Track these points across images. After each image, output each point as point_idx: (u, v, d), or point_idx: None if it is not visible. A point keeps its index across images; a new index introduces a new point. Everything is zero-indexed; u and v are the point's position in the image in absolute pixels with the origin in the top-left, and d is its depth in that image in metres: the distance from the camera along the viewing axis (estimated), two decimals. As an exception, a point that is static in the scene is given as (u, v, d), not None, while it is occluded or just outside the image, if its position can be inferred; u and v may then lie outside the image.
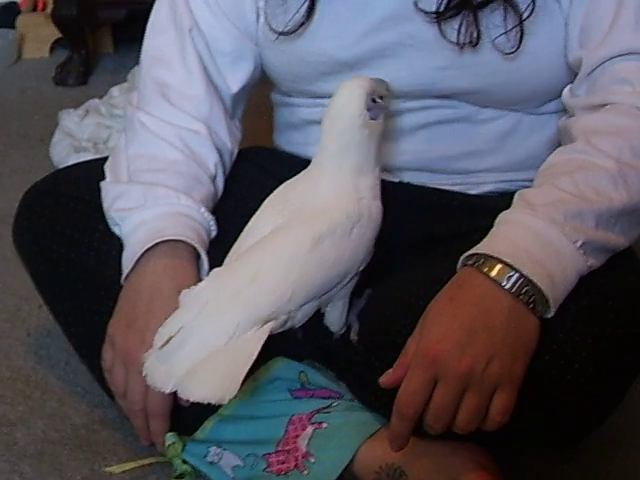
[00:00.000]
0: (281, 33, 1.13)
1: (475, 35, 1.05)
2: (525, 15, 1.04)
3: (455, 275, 0.94)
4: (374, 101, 1.02)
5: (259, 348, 0.96)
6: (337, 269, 1.01)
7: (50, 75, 2.51)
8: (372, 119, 1.02)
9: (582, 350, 0.93)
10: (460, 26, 1.05)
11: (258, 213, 1.05)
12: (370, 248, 1.04)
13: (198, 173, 1.14)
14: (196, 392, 0.94)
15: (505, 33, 1.05)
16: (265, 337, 0.97)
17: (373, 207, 1.03)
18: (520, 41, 1.04)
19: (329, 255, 0.99)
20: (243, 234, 1.04)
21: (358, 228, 1.01)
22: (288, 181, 1.07)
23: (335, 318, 1.06)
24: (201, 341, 0.96)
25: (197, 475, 1.10)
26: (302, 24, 1.12)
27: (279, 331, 0.99)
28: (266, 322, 0.97)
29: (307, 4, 1.11)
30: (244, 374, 0.94)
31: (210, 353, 0.95)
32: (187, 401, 0.96)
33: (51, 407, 1.25)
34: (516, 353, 0.90)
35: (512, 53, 1.05)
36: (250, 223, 1.05)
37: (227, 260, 1.03)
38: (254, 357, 0.95)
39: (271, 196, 1.06)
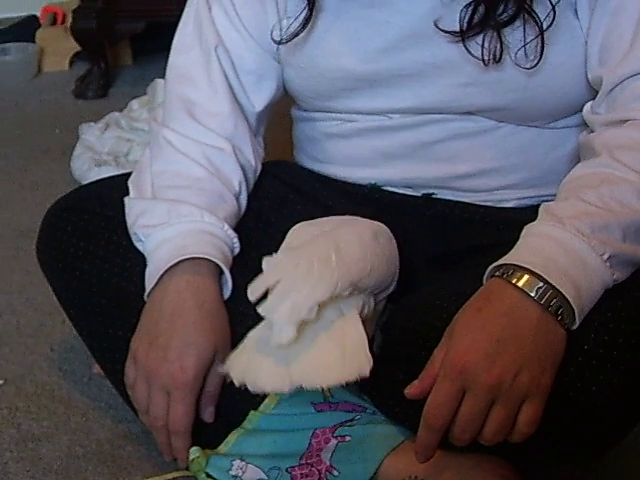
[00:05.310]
0: (279, 42, 1.14)
1: (498, 52, 1.04)
2: (545, 25, 1.03)
3: (482, 286, 0.94)
4: None
5: (361, 325, 0.97)
6: (389, 267, 1.04)
7: (70, 88, 2.52)
8: None
9: (607, 362, 0.92)
10: (483, 43, 1.04)
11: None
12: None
13: (222, 191, 1.14)
14: (332, 376, 0.94)
15: (526, 44, 1.04)
16: (359, 318, 0.98)
17: None
18: (541, 53, 1.04)
19: (385, 250, 1.03)
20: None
21: (392, 239, 1.07)
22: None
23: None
24: (306, 294, 0.93)
25: (221, 489, 1.11)
26: (297, 34, 1.12)
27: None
28: (354, 291, 0.98)
29: (305, 13, 1.11)
30: (367, 345, 0.95)
31: (316, 343, 0.94)
32: (211, 416, 0.96)
33: (75, 422, 1.26)
34: (544, 364, 0.89)
35: (534, 67, 1.04)
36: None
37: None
38: (364, 332, 0.96)
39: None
